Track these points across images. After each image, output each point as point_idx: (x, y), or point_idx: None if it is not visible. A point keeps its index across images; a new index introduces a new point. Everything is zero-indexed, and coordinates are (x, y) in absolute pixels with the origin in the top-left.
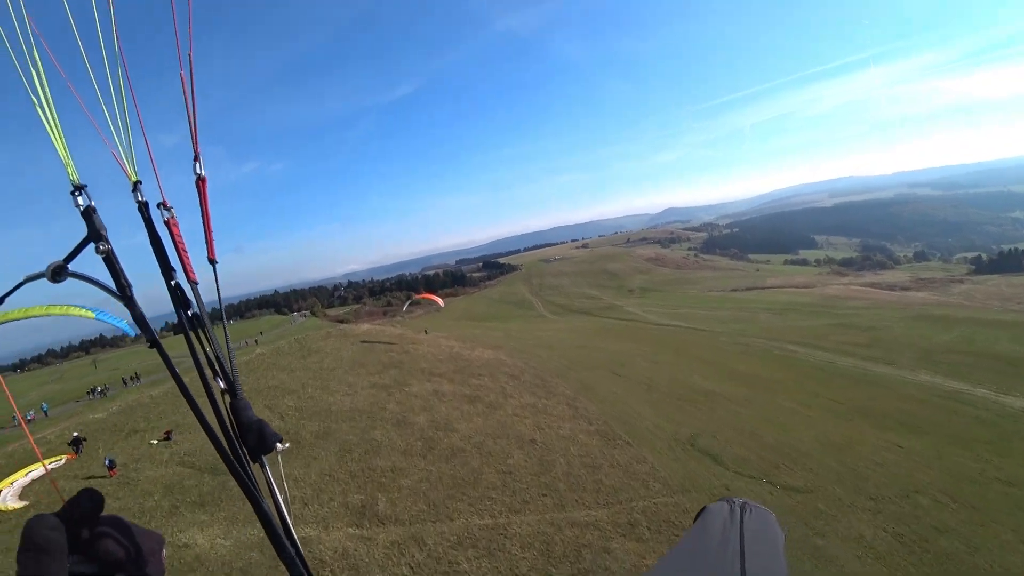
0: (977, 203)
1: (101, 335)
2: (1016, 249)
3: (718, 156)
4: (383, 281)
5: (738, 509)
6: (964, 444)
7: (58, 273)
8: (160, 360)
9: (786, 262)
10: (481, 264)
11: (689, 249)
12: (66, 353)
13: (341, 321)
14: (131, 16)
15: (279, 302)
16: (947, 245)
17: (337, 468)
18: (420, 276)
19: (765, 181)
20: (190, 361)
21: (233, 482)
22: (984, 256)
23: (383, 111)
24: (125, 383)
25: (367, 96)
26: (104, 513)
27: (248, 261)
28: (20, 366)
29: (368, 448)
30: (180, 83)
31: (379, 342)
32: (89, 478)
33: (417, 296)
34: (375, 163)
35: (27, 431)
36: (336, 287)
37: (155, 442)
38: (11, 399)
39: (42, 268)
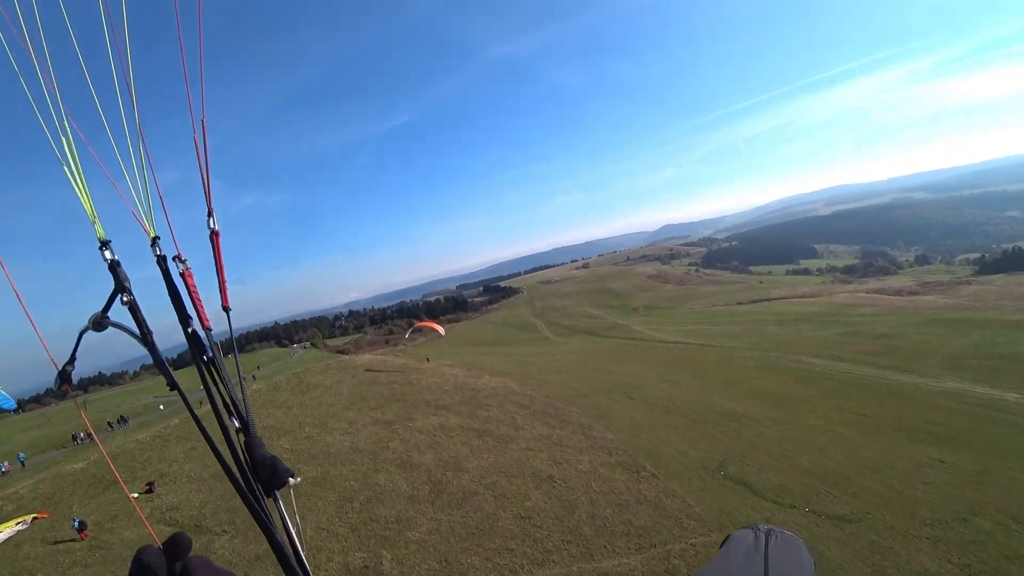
0: (973, 204)
1: (100, 372)
2: (1020, 248)
3: (713, 171)
4: (384, 309)
5: (763, 536)
6: (1009, 456)
7: (99, 324)
8: (147, 403)
9: (788, 272)
10: (482, 288)
11: (690, 264)
12: (64, 393)
13: (342, 352)
14: (146, 83)
15: (279, 334)
16: (947, 247)
17: (336, 520)
18: (421, 303)
19: (761, 193)
20: (201, 399)
21: (225, 537)
22: (987, 256)
23: (381, 140)
24: (111, 427)
25: (364, 126)
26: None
27: (249, 293)
28: (19, 407)
29: (371, 495)
30: (193, 143)
31: (382, 371)
32: (56, 543)
33: (418, 324)
34: (374, 192)
35: None
36: (337, 317)
37: (136, 495)
38: None
39: (84, 322)
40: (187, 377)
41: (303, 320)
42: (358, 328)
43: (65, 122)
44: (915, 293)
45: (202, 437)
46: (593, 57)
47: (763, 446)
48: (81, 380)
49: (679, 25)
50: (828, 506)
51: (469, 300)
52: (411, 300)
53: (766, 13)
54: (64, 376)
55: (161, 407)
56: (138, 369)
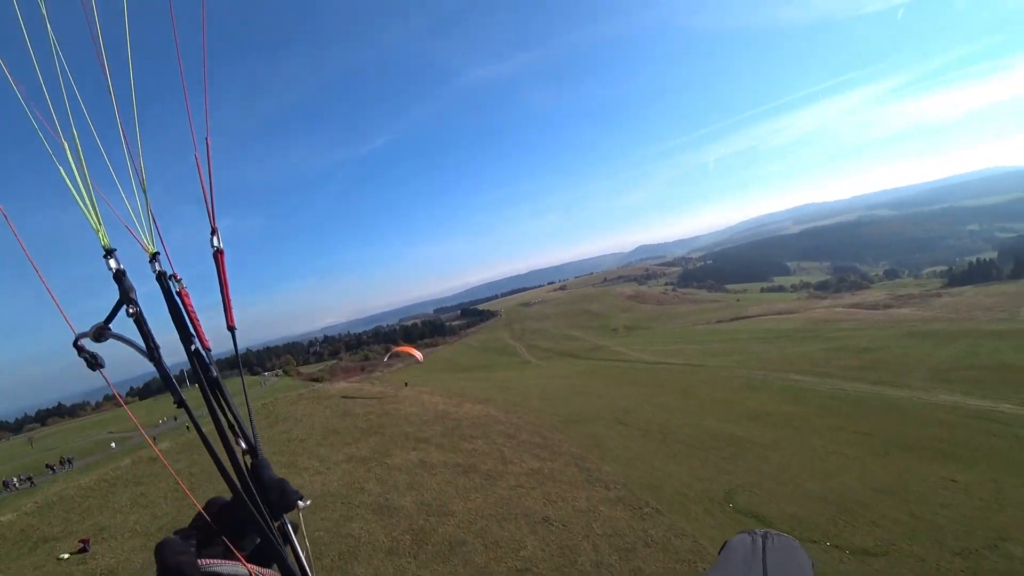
0: (935, 219)
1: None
2: (983, 260)
3: (685, 192)
4: (360, 334)
5: (760, 540)
6: (1019, 471)
7: (100, 334)
8: (100, 439)
9: (763, 290)
10: (460, 312)
11: (666, 284)
12: (19, 426)
13: (315, 380)
14: (148, 97)
15: (252, 361)
16: (914, 261)
17: None
18: (398, 327)
19: (732, 213)
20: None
21: None
22: (955, 269)
23: (358, 163)
24: (52, 469)
25: (341, 149)
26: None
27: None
28: None
29: (344, 549)
30: (195, 162)
31: (358, 398)
32: None
33: (396, 349)
34: (350, 215)
35: None
36: (312, 342)
37: (66, 556)
38: None
39: (86, 328)
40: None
41: (276, 346)
42: (333, 354)
43: (72, 126)
44: (890, 306)
45: (206, 462)
46: (569, 81)
47: (769, 472)
48: (38, 412)
49: (652, 54)
50: (850, 538)
51: (447, 324)
52: (387, 324)
53: (732, 43)
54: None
55: (113, 445)
56: (101, 400)
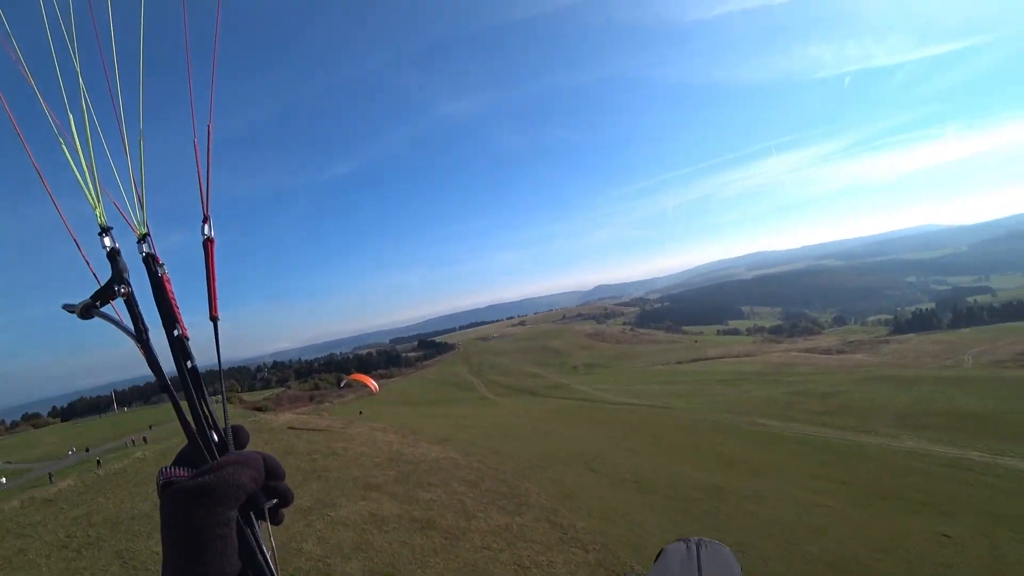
0: (877, 270)
1: None
2: (925, 309)
3: (645, 235)
4: (312, 362)
5: (695, 546)
6: (1004, 523)
7: (87, 310)
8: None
9: (719, 332)
10: (417, 343)
11: (624, 324)
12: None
13: (259, 409)
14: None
15: None
16: (859, 309)
17: None
18: (352, 356)
19: (688, 257)
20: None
21: None
22: (899, 317)
23: (318, 189)
24: None
25: (301, 174)
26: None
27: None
28: None
29: None
30: (193, 151)
31: (303, 431)
32: None
33: (350, 377)
34: (308, 240)
35: None
36: (260, 368)
37: None
38: None
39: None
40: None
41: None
42: (281, 381)
43: (84, 97)
44: (843, 351)
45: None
46: (535, 122)
47: (758, 528)
48: None
49: (619, 104)
50: None
51: (403, 355)
52: (341, 353)
53: (694, 97)
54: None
55: (3, 480)
56: (18, 419)
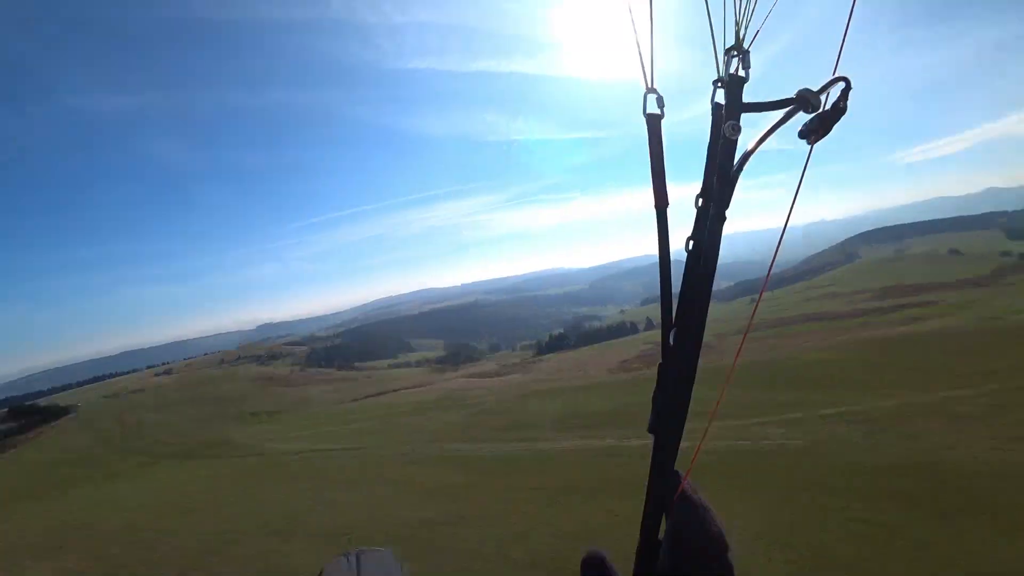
0: (527, 304)
1: None
2: (558, 334)
3: (317, 269)
4: None
5: (354, 559)
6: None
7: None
8: None
9: (390, 366)
10: (8, 411)
11: (293, 364)
12: None
13: None
14: None
15: None
16: (514, 336)
17: None
18: None
19: (363, 292)
20: None
21: None
22: (540, 342)
23: None
24: None
25: None
26: None
27: None
28: None
29: None
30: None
31: None
32: None
33: None
34: None
35: None
36: None
37: None
38: None
39: None
40: None
41: None
42: None
43: None
44: (501, 374)
45: None
46: (208, 137)
47: (470, 550)
48: None
49: (312, 135)
50: None
51: None
52: None
53: (382, 140)
54: None
55: None
56: None
